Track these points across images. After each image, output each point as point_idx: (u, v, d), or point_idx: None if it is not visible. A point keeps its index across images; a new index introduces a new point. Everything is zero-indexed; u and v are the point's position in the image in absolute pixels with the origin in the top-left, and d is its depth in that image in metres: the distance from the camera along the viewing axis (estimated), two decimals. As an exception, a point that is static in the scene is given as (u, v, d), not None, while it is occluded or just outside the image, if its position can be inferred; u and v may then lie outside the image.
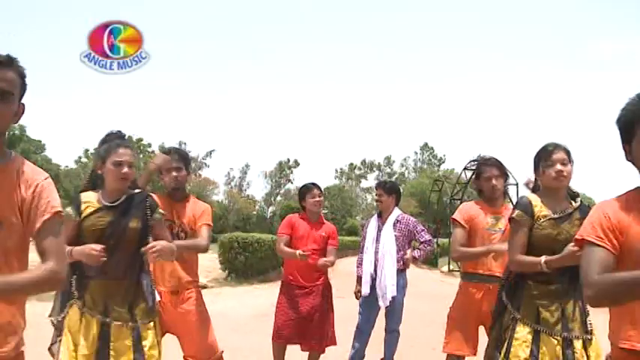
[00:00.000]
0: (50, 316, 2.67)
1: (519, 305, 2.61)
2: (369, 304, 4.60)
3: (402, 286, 4.61)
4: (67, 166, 38.79)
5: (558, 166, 2.59)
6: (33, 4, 67.06)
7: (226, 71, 75.90)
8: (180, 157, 3.39)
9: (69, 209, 2.54)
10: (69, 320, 2.51)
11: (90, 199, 2.60)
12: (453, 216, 3.53)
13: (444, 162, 56.80)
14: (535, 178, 2.83)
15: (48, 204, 1.63)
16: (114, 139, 2.68)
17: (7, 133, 1.66)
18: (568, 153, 2.65)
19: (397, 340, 4.72)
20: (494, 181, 3.43)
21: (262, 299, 9.67)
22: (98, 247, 2.39)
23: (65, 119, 75.35)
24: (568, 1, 73.88)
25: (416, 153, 58.98)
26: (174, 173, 3.32)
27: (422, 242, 4.69)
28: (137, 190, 2.69)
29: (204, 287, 10.97)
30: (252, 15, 77.87)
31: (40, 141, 38.52)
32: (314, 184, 4.44)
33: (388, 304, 4.50)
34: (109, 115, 60.09)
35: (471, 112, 78.77)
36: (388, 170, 58.32)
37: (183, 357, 3.28)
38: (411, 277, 4.90)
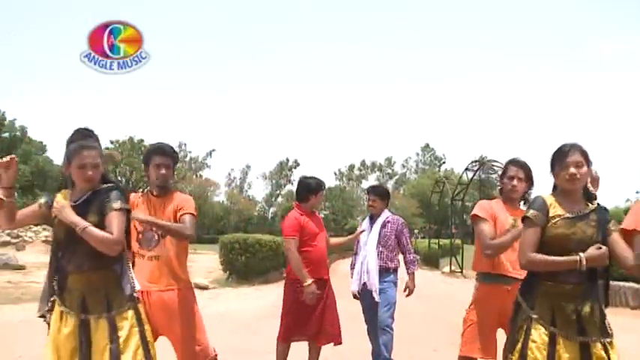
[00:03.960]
0: (40, 314, 2.71)
1: (533, 304, 2.55)
2: (367, 305, 4.71)
3: (392, 281, 4.72)
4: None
5: (572, 169, 2.55)
6: (33, 4, 67.19)
7: (226, 71, 76.09)
8: (168, 153, 3.29)
9: (42, 200, 2.70)
10: (51, 320, 2.56)
11: (60, 198, 2.66)
12: (475, 212, 3.35)
13: (444, 162, 56.70)
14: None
15: None
16: (79, 139, 2.63)
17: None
18: (584, 154, 2.60)
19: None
20: (515, 182, 3.37)
21: (263, 300, 9.69)
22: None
23: (65, 119, 75.44)
24: (568, 1, 74.03)
25: (417, 154, 58.86)
26: (162, 171, 3.22)
27: (408, 262, 4.80)
28: (106, 185, 2.65)
29: (205, 288, 11.00)
30: (252, 15, 78.16)
31: (41, 142, 38.51)
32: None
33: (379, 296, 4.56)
34: (109, 115, 60.19)
35: (471, 112, 78.78)
36: (389, 171, 58.20)
37: None
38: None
